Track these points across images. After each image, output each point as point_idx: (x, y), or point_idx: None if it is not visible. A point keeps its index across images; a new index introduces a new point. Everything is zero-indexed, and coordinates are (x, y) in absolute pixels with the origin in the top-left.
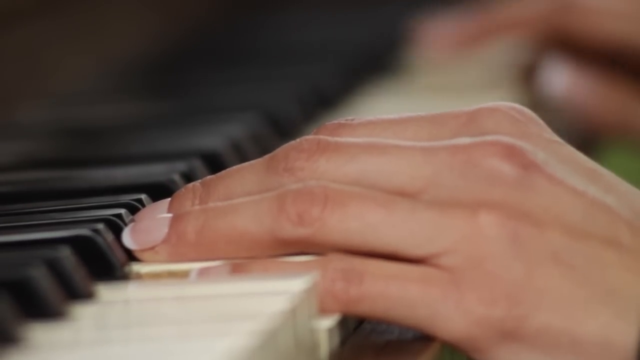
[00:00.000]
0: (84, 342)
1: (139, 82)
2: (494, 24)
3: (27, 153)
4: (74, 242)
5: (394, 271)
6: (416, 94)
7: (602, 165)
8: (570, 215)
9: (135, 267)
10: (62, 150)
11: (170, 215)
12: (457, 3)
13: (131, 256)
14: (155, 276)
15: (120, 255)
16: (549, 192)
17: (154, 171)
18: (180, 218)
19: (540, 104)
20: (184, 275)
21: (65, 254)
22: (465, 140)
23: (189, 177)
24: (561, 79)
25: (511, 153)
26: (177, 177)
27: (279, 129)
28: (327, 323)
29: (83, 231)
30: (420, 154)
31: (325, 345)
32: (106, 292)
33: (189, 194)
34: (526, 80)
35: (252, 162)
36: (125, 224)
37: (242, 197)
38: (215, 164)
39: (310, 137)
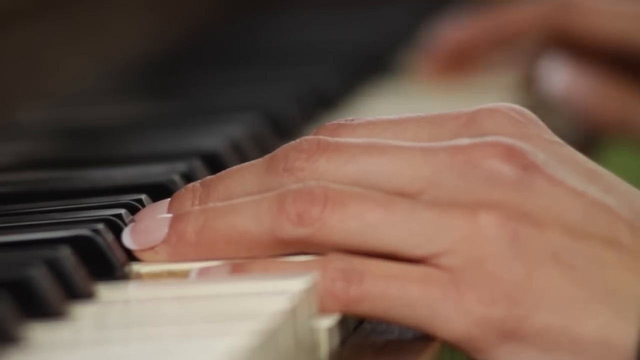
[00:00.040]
0: (84, 342)
1: (139, 83)
2: (495, 26)
3: (27, 153)
4: (74, 242)
5: (394, 271)
6: (416, 95)
7: (603, 163)
8: (570, 216)
9: (135, 267)
10: (62, 151)
11: (170, 215)
12: (458, 3)
13: (131, 256)
14: (155, 276)
15: (120, 255)
16: (548, 193)
17: (154, 171)
18: (180, 218)
19: (540, 103)
20: (184, 275)
21: (65, 254)
22: (465, 140)
23: (189, 178)
24: (561, 78)
25: (511, 154)
26: (177, 178)
27: (279, 129)
28: (327, 323)
29: (83, 231)
30: (420, 155)
31: (325, 344)
32: (106, 292)
33: (189, 194)
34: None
35: (251, 162)
36: (125, 224)
37: (242, 197)
38: (215, 164)
39: (310, 137)
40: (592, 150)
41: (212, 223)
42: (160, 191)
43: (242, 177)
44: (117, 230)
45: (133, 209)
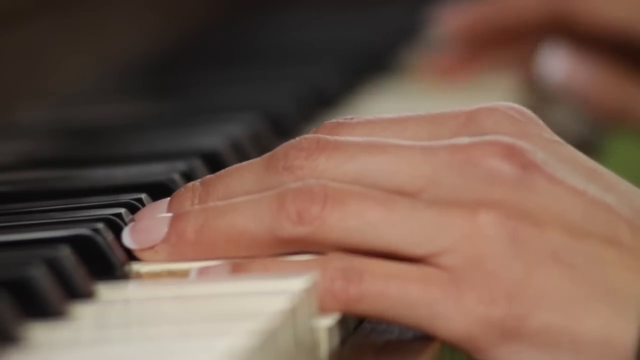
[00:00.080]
0: (84, 342)
1: (139, 82)
2: (496, 10)
3: (27, 153)
4: (74, 242)
5: (393, 271)
6: (416, 94)
7: (605, 154)
8: (570, 215)
9: (135, 267)
10: (62, 150)
11: (170, 214)
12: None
13: (131, 256)
14: (155, 276)
15: (120, 254)
16: (548, 192)
17: (154, 171)
18: (179, 217)
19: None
20: (184, 274)
21: (65, 253)
22: (464, 139)
23: (189, 177)
24: (560, 67)
25: (510, 153)
26: (177, 177)
27: (278, 129)
28: (327, 322)
29: (83, 230)
30: (420, 153)
31: (325, 344)
32: (106, 291)
33: (189, 194)
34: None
35: (251, 161)
36: (125, 224)
37: (241, 196)
38: (215, 163)
39: (309, 135)
40: (595, 142)
41: (212, 222)
42: (160, 190)
43: (242, 176)
44: (117, 230)
45: (133, 208)
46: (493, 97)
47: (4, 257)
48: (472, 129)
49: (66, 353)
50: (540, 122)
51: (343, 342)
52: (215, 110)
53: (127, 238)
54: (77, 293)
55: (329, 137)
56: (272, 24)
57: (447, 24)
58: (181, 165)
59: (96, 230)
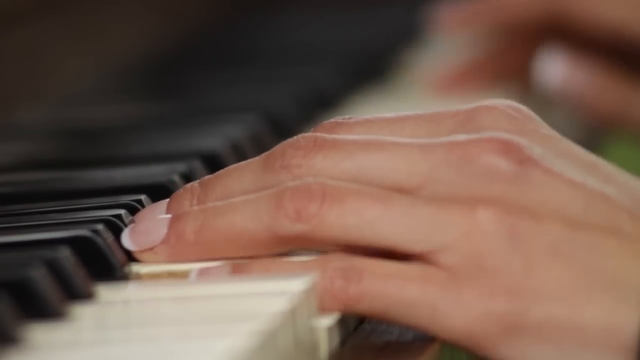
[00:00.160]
0: (83, 342)
1: (139, 83)
2: (492, 8)
3: (27, 154)
4: (74, 243)
5: (392, 270)
6: (415, 95)
7: (603, 158)
8: (569, 207)
9: (135, 268)
10: (62, 151)
11: (168, 216)
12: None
13: (131, 256)
14: (155, 276)
15: (120, 255)
16: (546, 185)
17: (154, 172)
18: (178, 218)
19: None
20: (183, 275)
21: (65, 254)
22: (462, 137)
23: (188, 178)
24: (558, 70)
25: (507, 149)
26: (176, 178)
27: (278, 130)
28: (326, 322)
29: (83, 232)
30: (418, 151)
31: (324, 344)
32: (106, 292)
33: (188, 194)
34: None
35: (249, 160)
36: (125, 225)
37: (240, 195)
38: (214, 164)
39: (307, 134)
40: (593, 146)
41: (211, 222)
42: (160, 191)
43: (240, 175)
44: (116, 231)
45: (133, 210)
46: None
47: (4, 258)
48: (469, 127)
49: (66, 354)
50: (538, 118)
51: (343, 342)
52: (215, 111)
53: (127, 240)
54: (77, 294)
55: (326, 135)
56: (272, 24)
57: (445, 24)
58: (181, 167)
59: (96, 232)
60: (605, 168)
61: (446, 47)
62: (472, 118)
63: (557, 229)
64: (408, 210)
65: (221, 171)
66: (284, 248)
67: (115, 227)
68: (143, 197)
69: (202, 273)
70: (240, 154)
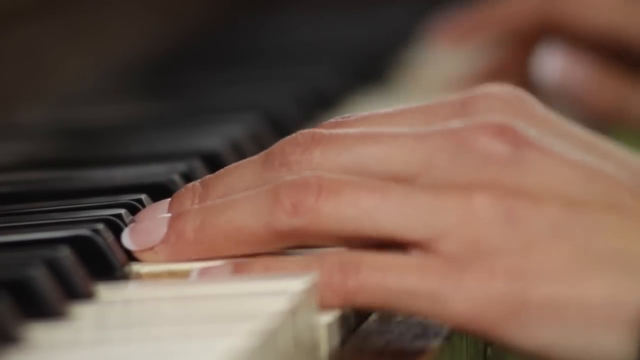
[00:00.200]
0: (84, 342)
1: (139, 82)
2: (487, 19)
3: (27, 153)
4: (74, 242)
5: (391, 261)
6: (415, 95)
7: None
8: (567, 187)
9: (135, 267)
10: (62, 151)
11: (168, 215)
12: (458, 3)
13: (131, 256)
14: (155, 276)
15: (120, 255)
16: (542, 166)
17: (154, 171)
18: (178, 217)
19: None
20: (184, 275)
21: (65, 253)
22: (457, 123)
23: (188, 178)
24: (556, 66)
25: (502, 132)
26: (177, 178)
27: (278, 129)
28: (326, 319)
29: (83, 231)
30: (413, 140)
31: (324, 341)
32: (106, 292)
33: (189, 194)
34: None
35: (249, 158)
36: (125, 224)
37: (237, 193)
38: (215, 164)
39: (305, 131)
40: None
41: (210, 220)
42: (160, 191)
43: (241, 174)
44: (117, 230)
45: (133, 209)
46: None
47: (4, 258)
48: (465, 115)
49: (66, 353)
50: (534, 100)
51: (343, 342)
52: (215, 110)
53: (127, 239)
54: (77, 293)
55: (324, 131)
56: (272, 24)
57: (443, 39)
58: (181, 166)
59: (96, 231)
60: (603, 146)
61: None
62: (468, 105)
63: (555, 209)
64: (404, 199)
65: (222, 170)
66: (283, 243)
67: (116, 227)
68: (143, 196)
69: (203, 272)
70: (240, 154)
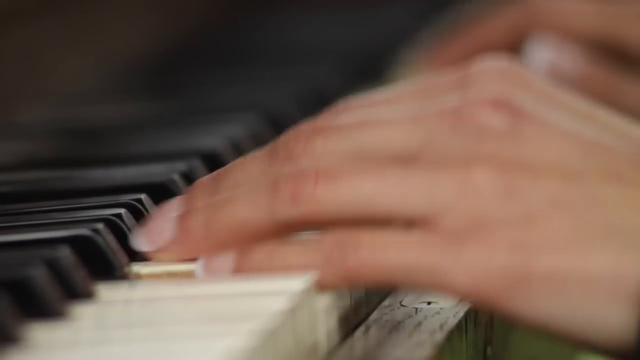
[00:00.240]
0: (83, 342)
1: (139, 82)
2: (469, 41)
3: (27, 153)
4: (74, 242)
5: (390, 238)
6: None
7: None
8: (567, 159)
9: (135, 267)
10: (62, 150)
11: (176, 214)
12: (458, 3)
13: (131, 256)
14: (155, 276)
15: (120, 255)
16: (541, 139)
17: (154, 171)
18: (186, 215)
19: None
20: (183, 275)
21: (65, 253)
22: (454, 99)
23: (188, 177)
24: (545, 55)
25: (499, 105)
26: (176, 177)
27: (278, 129)
28: (324, 301)
29: (83, 231)
30: (412, 121)
31: (322, 326)
32: (106, 292)
33: (199, 191)
34: None
35: (255, 153)
36: (125, 224)
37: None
38: (215, 163)
39: (307, 123)
40: None
41: (215, 216)
42: (160, 191)
43: (247, 168)
44: (117, 230)
45: (133, 209)
46: None
47: (4, 257)
48: (463, 91)
49: (66, 353)
50: (531, 71)
51: (343, 341)
52: (215, 110)
53: (138, 240)
54: (77, 293)
55: (324, 121)
56: (272, 24)
57: (432, 63)
58: (181, 166)
59: (96, 231)
60: (603, 116)
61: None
62: (465, 83)
63: (555, 181)
64: (402, 179)
65: (230, 165)
66: (287, 233)
67: (116, 227)
68: (143, 196)
69: (208, 265)
70: (241, 153)
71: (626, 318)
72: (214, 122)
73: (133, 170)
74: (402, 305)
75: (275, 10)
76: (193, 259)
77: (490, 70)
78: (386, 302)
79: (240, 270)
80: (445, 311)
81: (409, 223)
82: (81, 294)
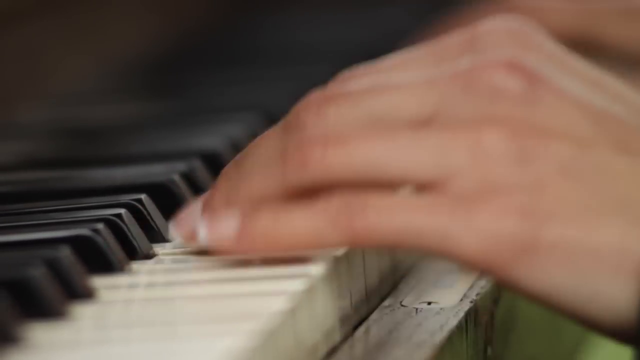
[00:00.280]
0: (84, 342)
1: (139, 82)
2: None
3: (27, 153)
4: (74, 242)
5: (398, 201)
6: None
7: None
8: (577, 127)
9: (135, 267)
10: (62, 151)
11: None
12: (457, 3)
13: (131, 256)
14: (155, 275)
15: (120, 254)
16: (554, 105)
17: (154, 171)
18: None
19: None
20: (183, 274)
21: (65, 253)
22: (466, 62)
23: (188, 177)
24: None
25: (514, 67)
26: (177, 177)
27: None
28: (324, 301)
29: (83, 231)
30: (424, 85)
31: (323, 326)
32: (106, 292)
33: (224, 177)
34: None
35: (272, 128)
36: (125, 224)
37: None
38: (215, 164)
39: (316, 92)
40: None
41: (234, 191)
42: (160, 191)
43: (266, 144)
44: (117, 230)
45: (133, 209)
46: None
47: (4, 258)
48: (474, 51)
49: (66, 353)
50: (542, 31)
51: (343, 341)
52: (215, 110)
53: (201, 235)
54: (77, 293)
55: (334, 89)
56: (272, 24)
57: None
58: (181, 166)
59: (96, 231)
60: (613, 85)
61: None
62: (475, 41)
63: (565, 148)
64: (413, 141)
65: (248, 146)
66: (300, 200)
67: (116, 227)
68: (143, 196)
69: (211, 226)
70: None
71: (629, 294)
72: (214, 122)
73: (133, 170)
74: (402, 305)
75: (275, 10)
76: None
77: (500, 31)
78: (386, 302)
79: (244, 234)
80: (446, 311)
81: (419, 187)
82: (81, 294)
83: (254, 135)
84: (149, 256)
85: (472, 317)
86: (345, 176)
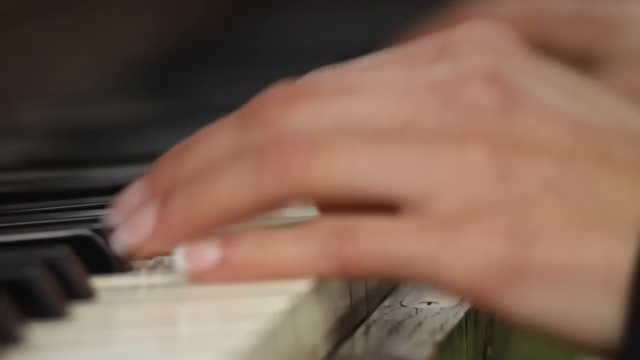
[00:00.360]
0: (84, 342)
1: (139, 82)
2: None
3: (27, 153)
4: (74, 242)
5: (388, 226)
6: None
7: None
8: (558, 140)
9: (135, 266)
10: (62, 150)
11: (155, 206)
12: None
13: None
14: (155, 275)
15: (120, 254)
16: (533, 118)
17: None
18: (165, 200)
19: None
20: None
21: (65, 253)
22: (441, 71)
23: None
24: None
25: (492, 80)
26: None
27: None
28: (324, 301)
29: (83, 231)
30: (400, 93)
31: (323, 326)
32: (106, 292)
33: (162, 169)
34: None
35: (221, 122)
36: None
37: (216, 162)
38: None
39: (277, 87)
40: None
41: (197, 200)
42: None
43: (215, 140)
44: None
45: None
46: None
47: (4, 258)
48: (447, 59)
49: (66, 353)
50: (515, 39)
51: (343, 341)
52: (215, 110)
53: (118, 236)
54: (77, 293)
55: (301, 87)
56: (272, 23)
57: None
58: None
59: (96, 231)
60: (589, 92)
61: None
62: (450, 49)
63: (547, 164)
64: (400, 152)
65: (191, 139)
66: (275, 209)
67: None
68: None
69: (190, 255)
70: None
71: (617, 310)
72: (214, 122)
73: (133, 170)
74: (402, 305)
75: (275, 10)
76: (179, 245)
77: (474, 39)
78: (386, 302)
79: (227, 262)
80: (446, 311)
81: (402, 206)
82: (81, 294)
83: None
84: None
85: (472, 317)
86: (328, 188)
